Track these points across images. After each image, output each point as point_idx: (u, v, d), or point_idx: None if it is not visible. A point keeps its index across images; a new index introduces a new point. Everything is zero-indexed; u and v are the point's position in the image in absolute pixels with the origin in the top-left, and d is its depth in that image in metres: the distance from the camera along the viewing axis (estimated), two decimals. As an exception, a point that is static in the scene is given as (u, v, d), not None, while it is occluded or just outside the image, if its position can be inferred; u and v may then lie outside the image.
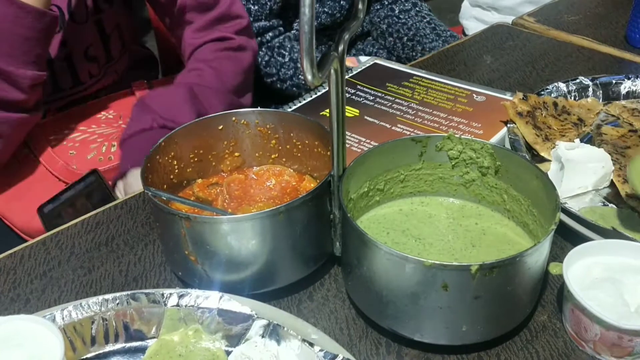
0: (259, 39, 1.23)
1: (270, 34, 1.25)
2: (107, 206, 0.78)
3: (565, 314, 0.59)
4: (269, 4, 1.22)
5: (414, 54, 1.37)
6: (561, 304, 0.60)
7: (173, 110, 0.95)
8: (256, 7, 1.21)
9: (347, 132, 0.87)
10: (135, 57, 1.23)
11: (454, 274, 0.51)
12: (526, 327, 0.59)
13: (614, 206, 0.72)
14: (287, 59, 1.25)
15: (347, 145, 0.84)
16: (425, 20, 1.40)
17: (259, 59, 1.25)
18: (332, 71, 0.54)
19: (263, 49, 1.25)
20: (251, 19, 1.21)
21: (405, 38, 1.37)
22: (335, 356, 0.52)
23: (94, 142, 1.04)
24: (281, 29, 1.27)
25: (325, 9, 1.31)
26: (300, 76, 1.24)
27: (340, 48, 0.54)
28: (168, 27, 1.15)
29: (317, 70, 0.48)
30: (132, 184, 0.88)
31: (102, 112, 1.10)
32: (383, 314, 0.57)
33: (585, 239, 0.64)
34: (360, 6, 0.57)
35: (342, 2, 1.32)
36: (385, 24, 1.39)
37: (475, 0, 1.68)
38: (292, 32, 1.30)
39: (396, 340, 0.58)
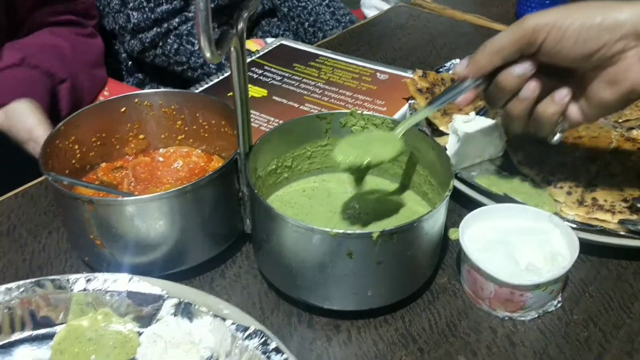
0: (166, 25, 1.21)
1: (177, 19, 1.23)
2: (7, 196, 0.75)
3: (463, 275, 0.63)
4: None
5: (316, 40, 1.38)
6: (459, 266, 0.64)
7: (45, 54, 0.96)
8: None
9: (256, 112, 0.88)
10: None
11: (358, 241, 0.53)
12: (428, 289, 0.63)
13: (507, 173, 0.77)
14: (197, 47, 1.23)
15: (257, 125, 0.85)
16: (324, 4, 1.41)
17: (168, 47, 1.22)
18: (232, 49, 0.54)
19: (171, 36, 1.23)
20: (152, 5, 1.19)
21: (307, 24, 1.39)
22: (247, 328, 0.53)
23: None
24: (187, 14, 1.25)
25: None
26: (211, 64, 1.23)
27: (240, 26, 0.54)
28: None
29: (216, 47, 0.49)
30: (15, 118, 0.88)
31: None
32: (293, 285, 0.59)
33: (481, 205, 0.68)
34: (257, -16, 0.58)
35: None
36: (285, 7, 1.40)
37: None
38: None
39: (307, 310, 0.60)
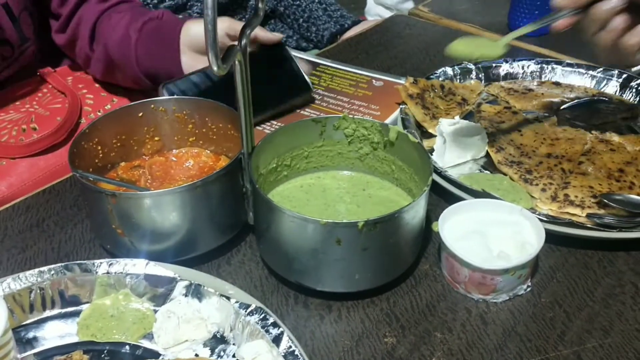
0: (181, 16, 1.28)
1: (180, 16, 1.29)
2: (35, 192, 0.83)
3: (442, 262, 0.70)
4: None
5: (308, 34, 1.45)
6: (441, 255, 0.71)
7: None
8: None
9: (259, 116, 0.96)
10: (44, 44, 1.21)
11: (345, 230, 0.61)
12: (411, 275, 0.70)
13: (489, 172, 0.85)
14: None
15: (260, 128, 0.93)
16: (316, 1, 1.47)
17: None
18: (237, 62, 0.62)
19: None
20: (155, 1, 1.25)
21: (301, 20, 1.46)
22: (249, 306, 0.61)
23: (4, 128, 1.01)
24: (190, 12, 1.32)
25: None
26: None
27: (243, 42, 0.62)
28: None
29: (222, 62, 0.56)
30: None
31: (10, 103, 1.06)
32: (290, 270, 0.67)
33: (462, 200, 0.76)
34: (260, 5, 0.66)
35: None
36: (282, 6, 1.47)
37: (380, 0, 1.80)
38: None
39: (302, 292, 0.68)
